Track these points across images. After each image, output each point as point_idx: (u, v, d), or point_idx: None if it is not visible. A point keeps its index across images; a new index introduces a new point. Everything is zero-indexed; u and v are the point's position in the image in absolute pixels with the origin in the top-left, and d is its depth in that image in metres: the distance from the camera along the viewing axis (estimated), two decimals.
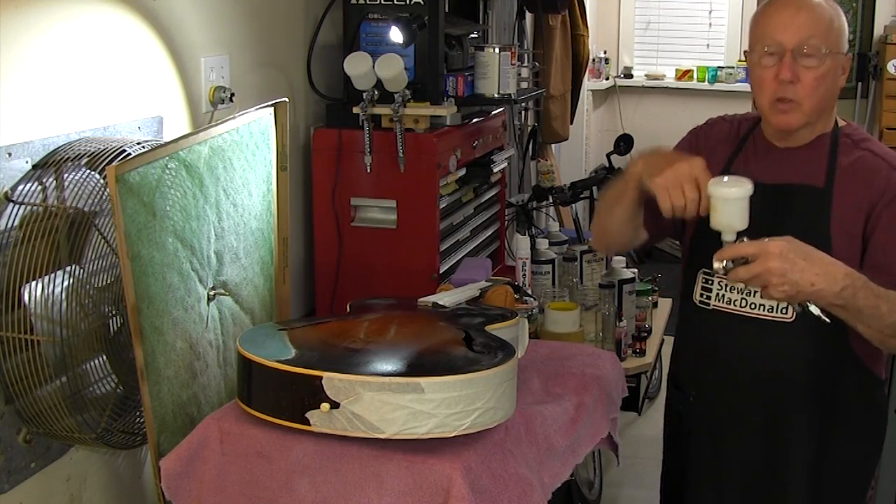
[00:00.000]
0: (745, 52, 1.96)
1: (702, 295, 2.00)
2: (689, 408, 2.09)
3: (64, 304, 1.67)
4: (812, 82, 1.84)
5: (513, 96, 2.80)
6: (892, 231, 1.84)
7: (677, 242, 2.15)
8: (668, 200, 1.73)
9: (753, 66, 1.91)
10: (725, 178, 1.70)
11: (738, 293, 1.94)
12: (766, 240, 1.65)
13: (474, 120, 2.87)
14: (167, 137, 2.05)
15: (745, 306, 1.93)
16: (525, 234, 3.22)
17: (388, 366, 1.69)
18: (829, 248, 1.81)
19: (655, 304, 3.08)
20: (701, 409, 2.06)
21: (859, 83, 4.47)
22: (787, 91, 1.85)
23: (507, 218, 3.33)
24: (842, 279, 1.67)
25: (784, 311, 1.90)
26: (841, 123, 1.96)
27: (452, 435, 1.61)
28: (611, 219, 1.97)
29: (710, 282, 1.99)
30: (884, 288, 1.74)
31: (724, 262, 1.66)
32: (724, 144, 2.03)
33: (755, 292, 1.89)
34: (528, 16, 4.33)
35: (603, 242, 2.13)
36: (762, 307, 1.92)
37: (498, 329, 1.89)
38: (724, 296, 1.96)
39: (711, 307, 1.99)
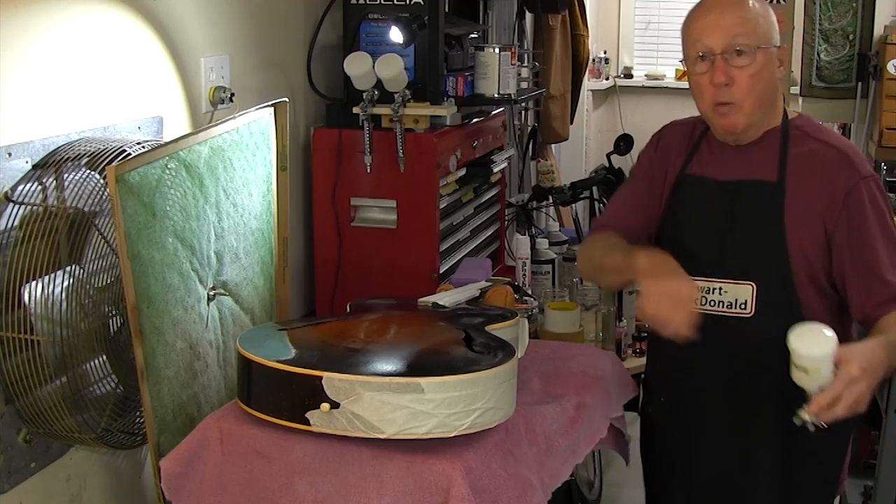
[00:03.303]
0: (681, 60, 1.96)
1: None
2: (658, 409, 2.11)
3: (64, 304, 1.67)
4: (747, 81, 1.85)
5: (513, 96, 2.80)
6: (856, 232, 1.85)
7: None
8: (651, 308, 1.74)
9: (690, 73, 1.92)
10: (805, 330, 1.62)
11: (697, 291, 1.92)
12: (841, 367, 1.60)
13: (474, 120, 2.87)
14: (167, 137, 2.05)
15: (704, 304, 1.94)
16: (525, 234, 3.22)
17: (388, 366, 1.69)
18: (784, 240, 1.86)
19: None
20: (670, 410, 2.08)
21: (859, 83, 4.44)
22: (724, 94, 1.86)
23: (507, 218, 3.33)
24: (880, 352, 1.67)
25: (742, 306, 1.91)
26: (792, 115, 1.96)
27: (452, 435, 1.61)
28: (600, 276, 2.15)
29: None
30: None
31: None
32: (681, 148, 2.05)
33: (714, 289, 1.91)
34: (528, 16, 4.32)
35: (590, 281, 2.52)
36: (721, 304, 1.93)
37: (498, 329, 1.89)
38: None
39: None
